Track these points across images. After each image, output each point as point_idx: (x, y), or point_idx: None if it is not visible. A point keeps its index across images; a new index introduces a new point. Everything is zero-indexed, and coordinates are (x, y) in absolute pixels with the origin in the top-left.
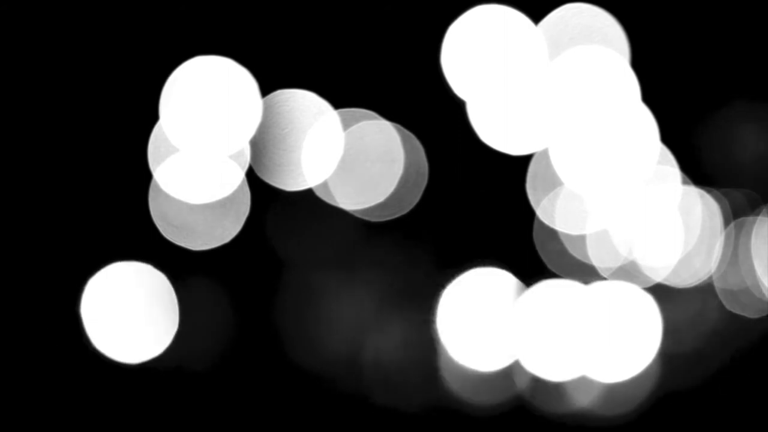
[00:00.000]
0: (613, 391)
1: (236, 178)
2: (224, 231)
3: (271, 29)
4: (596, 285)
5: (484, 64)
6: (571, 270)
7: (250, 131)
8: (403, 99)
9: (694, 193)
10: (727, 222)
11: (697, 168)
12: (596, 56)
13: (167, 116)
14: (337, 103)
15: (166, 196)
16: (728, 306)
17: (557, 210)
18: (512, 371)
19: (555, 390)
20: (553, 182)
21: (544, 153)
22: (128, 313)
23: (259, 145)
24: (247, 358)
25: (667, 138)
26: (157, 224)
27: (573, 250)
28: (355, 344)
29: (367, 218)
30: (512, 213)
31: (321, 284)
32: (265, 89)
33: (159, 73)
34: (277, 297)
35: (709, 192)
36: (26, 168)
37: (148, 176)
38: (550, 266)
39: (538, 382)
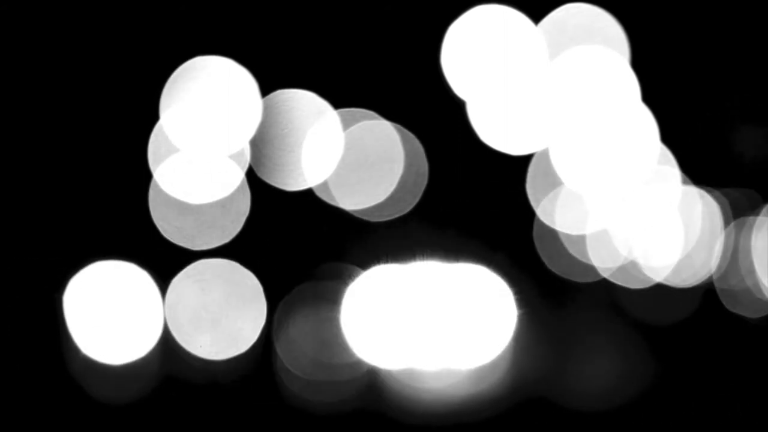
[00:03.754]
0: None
1: (236, 178)
2: (224, 231)
3: (271, 29)
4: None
5: (484, 64)
6: (571, 269)
7: (250, 131)
8: (403, 99)
9: (694, 193)
10: (727, 222)
11: (697, 168)
12: (596, 56)
13: (167, 116)
14: (337, 103)
15: (166, 196)
16: (728, 306)
17: (557, 210)
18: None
19: None
20: (553, 182)
21: (544, 153)
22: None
23: (259, 145)
24: (246, 357)
25: (667, 138)
26: (157, 224)
27: (573, 250)
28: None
29: (367, 218)
30: (512, 213)
31: (321, 284)
32: (265, 89)
33: (159, 73)
34: (277, 297)
35: (709, 192)
36: (25, 167)
37: (148, 176)
38: (549, 266)
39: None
